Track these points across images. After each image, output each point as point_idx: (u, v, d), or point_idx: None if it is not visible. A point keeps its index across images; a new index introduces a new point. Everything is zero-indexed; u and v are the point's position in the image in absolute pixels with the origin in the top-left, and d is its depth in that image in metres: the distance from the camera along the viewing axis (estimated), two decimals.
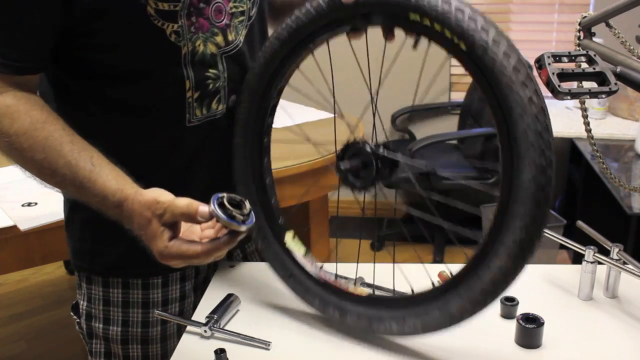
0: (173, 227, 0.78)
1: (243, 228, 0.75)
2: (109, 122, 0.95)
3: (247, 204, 0.76)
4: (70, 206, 1.05)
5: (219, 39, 0.95)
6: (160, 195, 0.78)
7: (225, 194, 0.76)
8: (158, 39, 0.89)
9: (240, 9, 0.97)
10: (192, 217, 0.75)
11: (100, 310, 1.05)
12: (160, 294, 1.05)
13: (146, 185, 0.83)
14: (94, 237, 1.03)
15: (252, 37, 1.01)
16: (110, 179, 0.82)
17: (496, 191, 0.72)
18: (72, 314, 1.11)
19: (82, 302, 1.07)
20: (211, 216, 0.74)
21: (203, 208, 0.75)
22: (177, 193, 0.79)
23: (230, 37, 0.96)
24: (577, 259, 2.11)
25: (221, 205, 0.74)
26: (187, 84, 0.93)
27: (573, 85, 0.87)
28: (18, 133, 0.82)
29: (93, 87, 0.93)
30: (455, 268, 0.73)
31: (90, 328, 1.06)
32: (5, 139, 0.83)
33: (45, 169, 0.82)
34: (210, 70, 0.95)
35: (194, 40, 0.92)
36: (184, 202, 0.76)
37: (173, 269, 1.02)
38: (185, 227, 0.81)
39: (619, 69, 0.82)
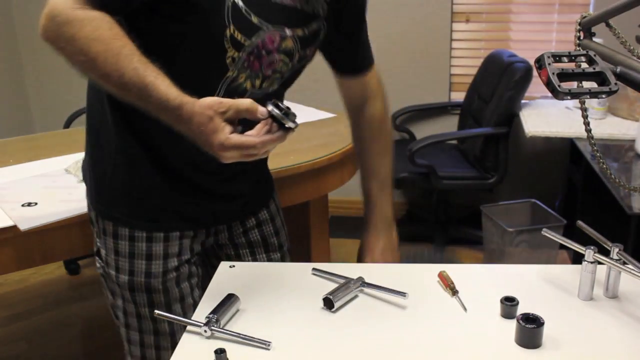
0: (232, 124, 0.90)
1: (293, 125, 0.91)
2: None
3: (292, 110, 0.91)
4: (90, 161, 1.18)
5: (257, 82, 1.08)
6: (221, 98, 0.90)
7: (276, 100, 0.91)
8: (217, 56, 1.01)
9: (284, 69, 1.11)
10: (253, 113, 0.89)
11: (112, 259, 1.18)
12: (162, 248, 1.17)
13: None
14: (109, 188, 1.16)
15: (278, 90, 1.16)
16: (172, 86, 0.92)
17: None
18: (96, 257, 1.24)
19: (102, 249, 1.21)
20: (269, 114, 0.90)
21: (262, 108, 0.90)
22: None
23: (265, 85, 1.10)
24: (577, 259, 2.11)
25: (276, 106, 0.90)
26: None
27: (573, 85, 0.87)
28: (98, 39, 0.91)
29: None
30: (455, 268, 0.73)
31: (106, 273, 1.21)
32: (80, 41, 0.91)
33: (113, 72, 0.91)
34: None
35: (239, 71, 1.04)
36: (248, 100, 0.90)
37: (173, 227, 1.16)
38: None
39: (619, 69, 0.82)
